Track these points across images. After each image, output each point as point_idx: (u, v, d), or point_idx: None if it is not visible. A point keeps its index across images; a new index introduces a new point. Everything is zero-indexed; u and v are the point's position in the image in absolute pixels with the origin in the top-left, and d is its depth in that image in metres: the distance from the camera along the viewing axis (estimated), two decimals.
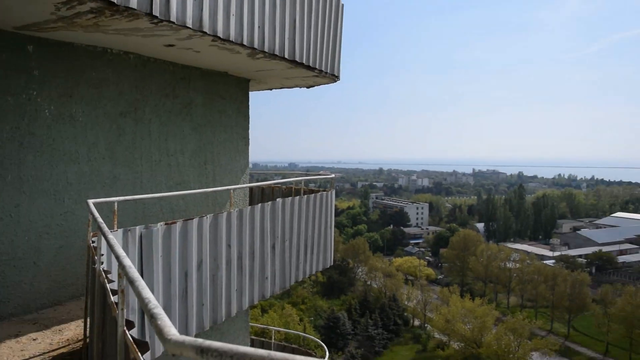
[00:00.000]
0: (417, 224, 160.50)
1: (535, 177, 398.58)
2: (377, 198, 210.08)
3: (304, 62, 8.92)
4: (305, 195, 9.35)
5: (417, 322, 75.77)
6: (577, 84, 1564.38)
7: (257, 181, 14.26)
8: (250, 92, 10.98)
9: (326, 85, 11.03)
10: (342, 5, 10.26)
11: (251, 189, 12.58)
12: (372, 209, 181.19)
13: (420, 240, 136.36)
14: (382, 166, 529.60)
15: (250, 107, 10.89)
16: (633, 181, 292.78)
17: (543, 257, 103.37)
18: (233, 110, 10.45)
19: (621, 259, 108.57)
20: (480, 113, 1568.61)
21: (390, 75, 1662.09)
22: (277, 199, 8.50)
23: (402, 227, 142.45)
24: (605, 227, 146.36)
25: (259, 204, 8.06)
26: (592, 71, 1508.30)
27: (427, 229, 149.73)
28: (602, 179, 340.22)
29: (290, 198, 8.83)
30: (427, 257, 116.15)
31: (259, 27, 7.74)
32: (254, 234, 7.97)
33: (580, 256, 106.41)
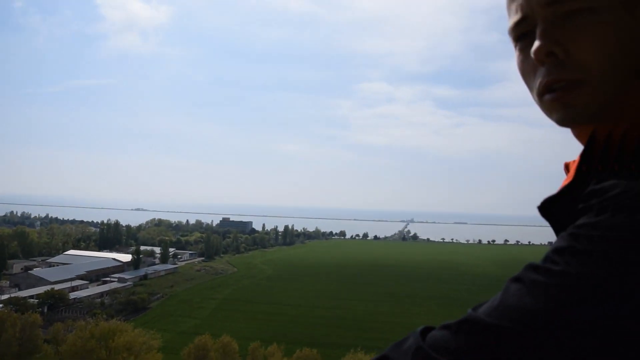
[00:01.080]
0: None
1: None
2: None
3: None
4: None
5: None
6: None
7: None
8: None
9: None
10: None
11: None
12: None
13: None
14: None
15: None
16: (86, 220, 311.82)
17: None
18: None
19: (73, 295, 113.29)
20: None
21: None
22: None
23: None
24: (58, 265, 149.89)
25: None
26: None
27: None
28: (57, 217, 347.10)
29: None
30: None
31: None
32: None
33: (32, 297, 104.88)
